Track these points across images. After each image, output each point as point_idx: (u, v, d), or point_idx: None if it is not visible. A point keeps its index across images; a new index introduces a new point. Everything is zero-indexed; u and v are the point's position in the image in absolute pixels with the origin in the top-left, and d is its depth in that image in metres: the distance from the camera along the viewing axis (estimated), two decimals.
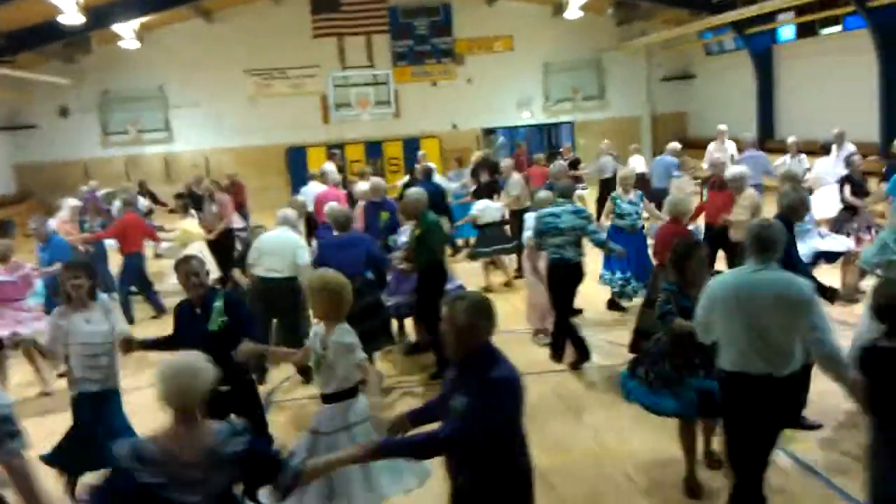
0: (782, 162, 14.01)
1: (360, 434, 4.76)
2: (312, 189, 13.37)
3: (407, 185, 13.00)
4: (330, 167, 14.94)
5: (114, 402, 5.87)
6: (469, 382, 3.53)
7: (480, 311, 3.64)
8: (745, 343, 4.41)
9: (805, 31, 20.93)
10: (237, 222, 13.53)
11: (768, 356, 4.36)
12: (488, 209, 12.25)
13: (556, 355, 8.50)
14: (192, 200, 13.95)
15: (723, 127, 15.89)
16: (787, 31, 21.91)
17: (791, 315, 4.32)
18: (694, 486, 5.60)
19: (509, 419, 3.56)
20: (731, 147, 15.14)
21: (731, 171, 9.74)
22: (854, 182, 10.53)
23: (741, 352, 4.44)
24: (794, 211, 6.48)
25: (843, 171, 11.35)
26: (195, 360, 3.37)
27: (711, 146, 15.46)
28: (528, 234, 9.21)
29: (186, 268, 5.66)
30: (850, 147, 12.83)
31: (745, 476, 4.57)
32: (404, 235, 9.08)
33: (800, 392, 5.40)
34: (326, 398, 4.93)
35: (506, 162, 13.67)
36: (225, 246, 12.21)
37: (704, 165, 14.92)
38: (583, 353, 8.42)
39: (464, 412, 3.44)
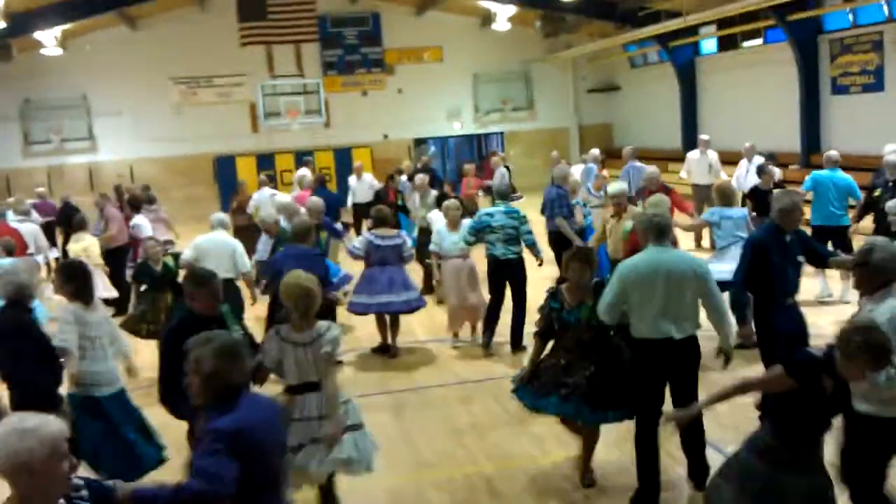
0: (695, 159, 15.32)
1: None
2: (266, 194, 13.36)
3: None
4: (305, 172, 14.96)
5: None
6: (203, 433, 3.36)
7: (227, 354, 3.44)
8: (659, 312, 5.25)
9: (727, 44, 21.61)
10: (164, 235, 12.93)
11: (679, 320, 5.27)
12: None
13: (486, 341, 9.26)
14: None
15: (704, 137, 16.15)
16: (709, 44, 22.58)
17: (700, 283, 5.34)
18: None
19: (245, 472, 3.25)
20: (712, 156, 15.29)
21: (611, 187, 9.37)
22: (759, 192, 10.70)
23: (655, 319, 5.26)
24: (787, 214, 6.16)
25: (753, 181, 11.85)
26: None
27: (692, 154, 15.74)
28: (461, 235, 9.38)
29: None
30: (759, 159, 13.52)
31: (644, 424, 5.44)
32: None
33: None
34: (296, 388, 5.19)
35: (420, 178, 13.42)
36: (118, 263, 11.78)
37: (683, 174, 15.87)
38: (515, 343, 9.13)
39: (194, 469, 3.23)
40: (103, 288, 10.71)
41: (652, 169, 11.41)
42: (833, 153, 10.76)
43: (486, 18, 24.35)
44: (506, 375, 8.42)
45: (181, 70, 23.96)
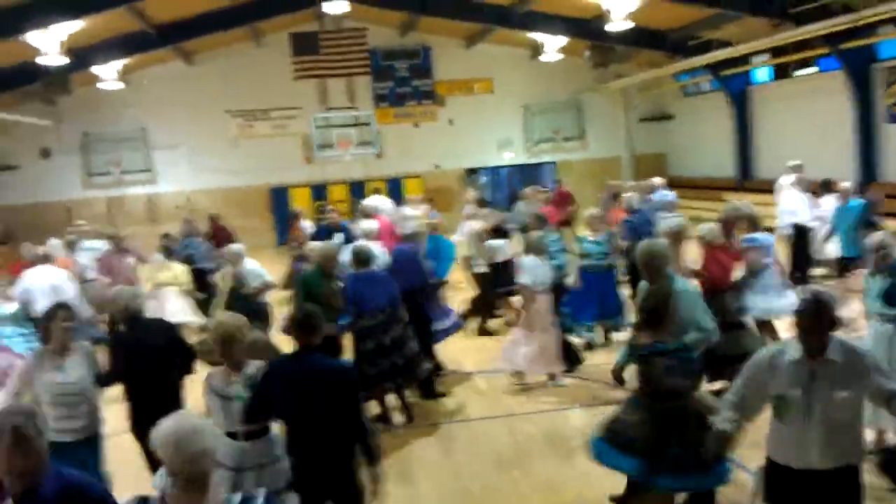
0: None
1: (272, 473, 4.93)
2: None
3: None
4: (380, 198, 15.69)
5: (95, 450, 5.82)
6: None
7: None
8: None
9: (780, 72, 21.38)
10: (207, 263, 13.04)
11: None
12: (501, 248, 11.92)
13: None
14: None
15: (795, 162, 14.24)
16: (762, 73, 22.36)
17: None
18: None
19: None
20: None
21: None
22: None
23: None
24: None
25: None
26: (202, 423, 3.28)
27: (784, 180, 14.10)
28: (524, 279, 8.90)
29: None
30: None
31: None
32: None
33: None
34: (249, 435, 4.96)
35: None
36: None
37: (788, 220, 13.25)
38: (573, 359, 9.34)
39: None
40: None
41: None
42: None
43: (536, 50, 24.45)
44: (555, 408, 8.45)
45: (237, 103, 24.49)
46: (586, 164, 26.16)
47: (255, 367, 5.09)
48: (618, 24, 18.05)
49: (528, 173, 26.88)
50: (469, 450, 7.60)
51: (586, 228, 10.67)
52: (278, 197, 24.42)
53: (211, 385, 5.05)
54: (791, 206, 13.13)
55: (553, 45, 23.17)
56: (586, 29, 21.35)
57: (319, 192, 24.41)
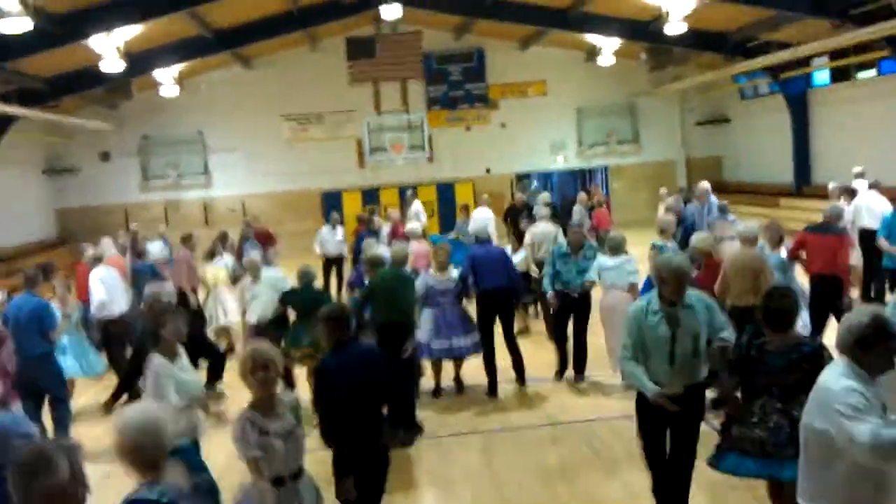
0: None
1: None
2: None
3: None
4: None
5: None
6: None
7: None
8: None
9: (840, 75, 20.84)
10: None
11: None
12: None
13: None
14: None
15: (858, 169, 13.62)
16: (821, 76, 21.82)
17: None
18: None
19: None
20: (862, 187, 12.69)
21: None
22: None
23: None
24: None
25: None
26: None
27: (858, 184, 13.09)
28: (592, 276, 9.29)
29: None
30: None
31: None
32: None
33: None
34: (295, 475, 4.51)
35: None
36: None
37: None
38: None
39: None
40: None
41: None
42: None
43: (591, 52, 24.23)
44: (598, 417, 8.30)
45: (292, 107, 24.73)
46: (639, 168, 25.85)
47: (288, 394, 4.89)
48: (675, 25, 17.83)
49: (580, 178, 26.67)
50: (511, 458, 7.50)
51: (658, 234, 10.20)
52: (330, 201, 24.55)
53: (251, 423, 4.40)
54: (879, 207, 11.66)
55: (608, 47, 22.95)
56: (643, 31, 21.09)
57: (371, 196, 24.49)
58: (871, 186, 12.28)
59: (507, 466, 7.33)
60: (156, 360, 5.37)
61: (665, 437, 5.52)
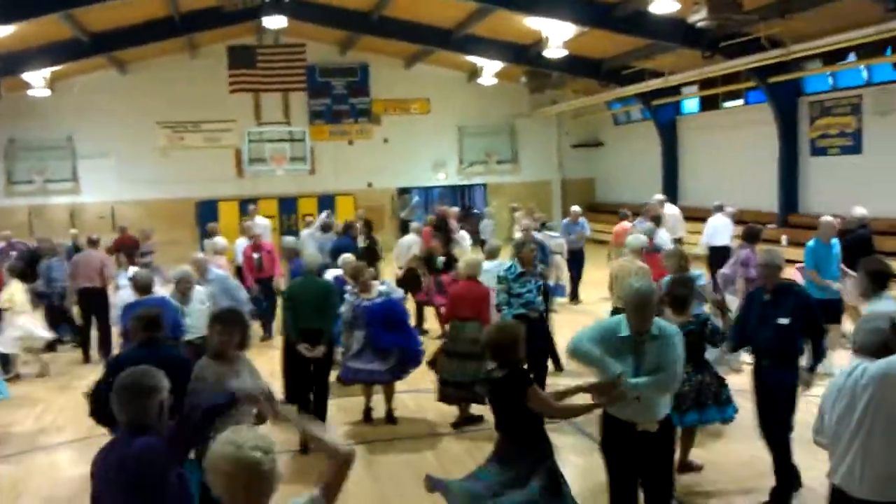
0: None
1: None
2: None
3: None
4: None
5: None
6: None
7: None
8: None
9: (708, 104, 21.96)
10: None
11: None
12: None
13: None
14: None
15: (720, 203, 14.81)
16: (691, 104, 22.95)
17: None
18: None
19: None
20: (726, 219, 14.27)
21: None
22: None
23: None
24: None
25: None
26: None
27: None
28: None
29: None
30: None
31: None
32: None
33: None
34: None
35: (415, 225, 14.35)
36: None
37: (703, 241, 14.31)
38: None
39: None
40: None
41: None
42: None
43: (473, 73, 24.69)
44: (479, 426, 8.42)
45: (169, 115, 24.10)
46: (517, 187, 26.42)
47: None
48: (554, 51, 18.42)
49: (459, 194, 27.07)
50: (393, 467, 7.52)
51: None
52: (206, 210, 23.97)
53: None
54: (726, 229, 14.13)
55: (490, 69, 23.45)
56: (523, 54, 21.68)
57: (248, 207, 24.05)
58: (716, 209, 14.17)
59: (387, 475, 7.35)
60: None
61: (636, 481, 5.08)
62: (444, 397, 8.51)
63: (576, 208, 15.96)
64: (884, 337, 4.00)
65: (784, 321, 6.02)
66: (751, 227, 10.65)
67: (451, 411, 8.77)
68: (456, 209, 17.67)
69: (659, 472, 5.08)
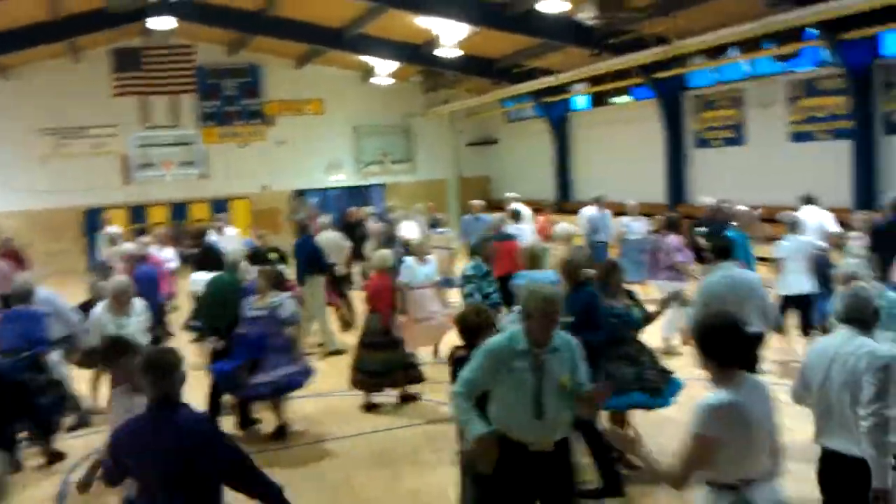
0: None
1: None
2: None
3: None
4: None
5: None
6: None
7: None
8: None
9: (598, 100, 22.49)
10: None
11: None
12: None
13: None
14: None
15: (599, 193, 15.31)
16: (581, 101, 23.43)
17: None
18: None
19: None
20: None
21: None
22: None
23: None
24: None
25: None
26: None
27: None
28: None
29: None
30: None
31: None
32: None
33: None
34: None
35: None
36: None
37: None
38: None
39: None
40: None
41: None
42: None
43: (367, 72, 24.57)
44: (383, 428, 8.39)
45: (52, 121, 23.13)
46: (414, 186, 26.45)
47: None
48: (447, 50, 18.51)
49: (357, 195, 26.88)
50: (293, 474, 7.40)
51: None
52: (93, 219, 23.10)
53: None
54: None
55: (384, 68, 23.38)
56: (417, 54, 21.69)
57: (139, 214, 23.44)
58: (595, 202, 14.66)
59: (286, 482, 7.22)
60: None
61: None
62: (356, 383, 9.02)
63: (477, 202, 15.83)
64: (860, 304, 4.33)
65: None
66: (670, 217, 11.34)
67: (344, 417, 8.81)
68: (367, 210, 17.48)
69: (559, 499, 4.59)
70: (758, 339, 7.18)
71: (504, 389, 4.39)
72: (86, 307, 8.80)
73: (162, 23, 18.97)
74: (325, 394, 9.54)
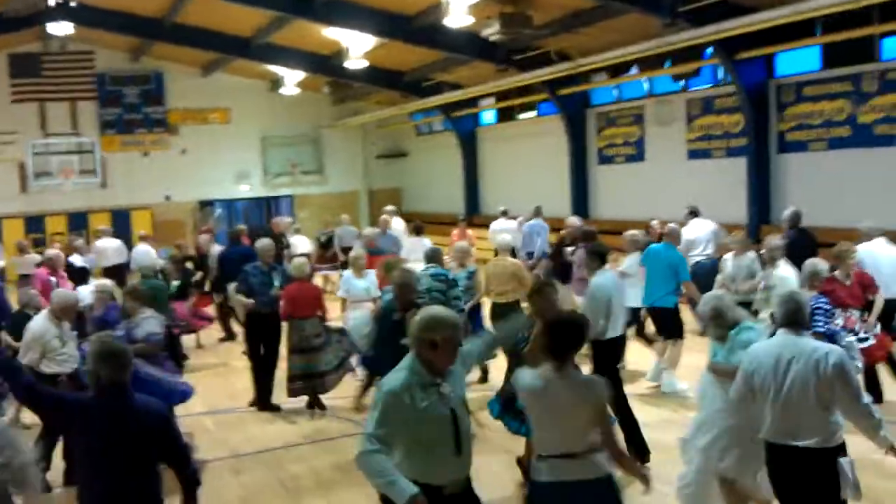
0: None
1: None
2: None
3: None
4: None
5: None
6: None
7: None
8: None
9: (504, 115, 22.78)
10: None
11: None
12: None
13: None
14: None
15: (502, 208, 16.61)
16: (488, 116, 23.71)
17: None
18: None
19: None
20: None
21: None
22: None
23: None
24: None
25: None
26: None
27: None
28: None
29: None
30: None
31: None
32: None
33: None
34: None
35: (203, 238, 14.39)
36: None
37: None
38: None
39: None
40: None
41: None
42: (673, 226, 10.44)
43: (275, 82, 24.32)
44: (283, 444, 8.29)
45: None
46: (324, 198, 26.28)
47: None
48: (355, 62, 18.47)
49: (265, 206, 26.57)
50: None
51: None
52: None
53: None
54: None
55: (292, 78, 23.19)
56: (325, 65, 21.58)
57: (36, 224, 22.64)
58: (503, 214, 15.74)
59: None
60: None
61: None
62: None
63: (385, 217, 15.07)
64: (793, 307, 4.70)
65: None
66: (588, 230, 11.37)
67: (244, 433, 8.63)
68: (289, 220, 17.75)
69: None
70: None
71: (418, 432, 3.91)
72: None
73: (60, 28, 18.50)
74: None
